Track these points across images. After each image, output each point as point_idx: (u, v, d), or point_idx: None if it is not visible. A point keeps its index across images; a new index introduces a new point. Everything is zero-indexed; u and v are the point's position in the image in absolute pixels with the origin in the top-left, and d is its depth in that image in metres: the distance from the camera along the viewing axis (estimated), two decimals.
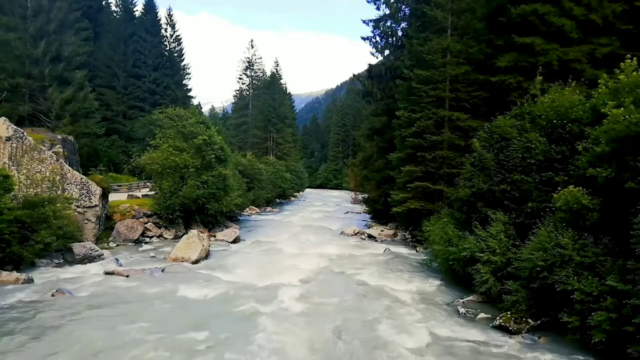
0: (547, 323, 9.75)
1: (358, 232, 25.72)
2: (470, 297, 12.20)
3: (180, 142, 23.33)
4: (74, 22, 32.97)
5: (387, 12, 28.73)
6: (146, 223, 21.78)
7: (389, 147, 25.49)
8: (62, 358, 7.87)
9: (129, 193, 27.57)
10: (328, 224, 30.45)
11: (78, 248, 16.00)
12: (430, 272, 15.68)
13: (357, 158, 43.28)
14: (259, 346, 8.71)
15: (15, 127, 17.90)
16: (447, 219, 15.00)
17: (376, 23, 28.98)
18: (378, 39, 29.34)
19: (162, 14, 55.24)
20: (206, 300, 11.81)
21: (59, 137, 23.14)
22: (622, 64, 10.05)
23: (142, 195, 26.37)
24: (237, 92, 70.05)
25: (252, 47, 67.93)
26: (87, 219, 18.57)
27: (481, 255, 11.50)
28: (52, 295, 11.43)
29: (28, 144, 17.76)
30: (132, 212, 21.82)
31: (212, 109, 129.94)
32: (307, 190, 77.21)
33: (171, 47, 50.38)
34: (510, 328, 9.80)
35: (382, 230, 25.69)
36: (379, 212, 29.87)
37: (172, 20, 50.55)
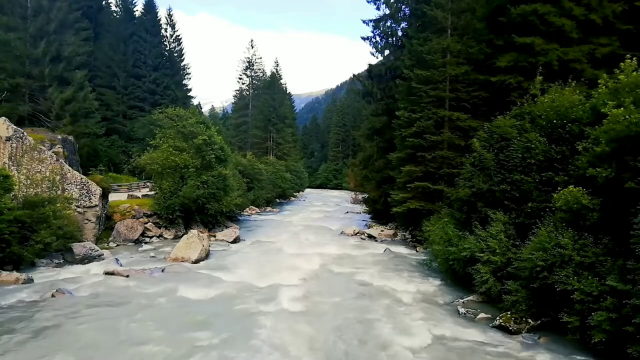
0: (547, 323, 9.74)
1: (358, 232, 25.72)
2: (470, 297, 12.20)
3: (180, 142, 23.34)
4: (74, 22, 32.97)
5: (387, 12, 28.75)
6: (146, 223, 21.79)
7: (389, 147, 25.49)
8: (62, 358, 7.86)
9: (129, 193, 27.57)
10: (328, 224, 30.45)
11: (78, 248, 16.00)
12: (430, 272, 15.68)
13: (357, 158, 43.28)
14: (259, 345, 8.72)
15: (15, 127, 17.91)
16: (447, 219, 15.00)
17: (376, 23, 28.99)
18: (378, 39, 29.37)
19: (162, 14, 55.34)
20: (206, 300, 11.81)
21: (59, 137, 23.14)
22: (622, 64, 10.05)
23: (142, 195, 26.37)
24: (237, 92, 70.09)
25: (252, 47, 68.03)
26: (87, 219, 18.57)
27: (481, 255, 11.50)
28: (52, 295, 11.43)
29: (28, 144, 17.76)
30: (132, 212, 21.82)
31: (212, 109, 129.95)
32: (307, 190, 77.22)
33: (171, 47, 50.39)
34: (510, 328, 9.80)
35: (382, 230, 25.70)
36: (379, 212, 29.87)
37: (172, 20, 50.61)
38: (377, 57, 30.38)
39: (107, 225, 20.47)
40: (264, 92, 64.37)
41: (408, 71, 21.85)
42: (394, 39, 29.17)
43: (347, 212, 40.84)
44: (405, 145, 21.32)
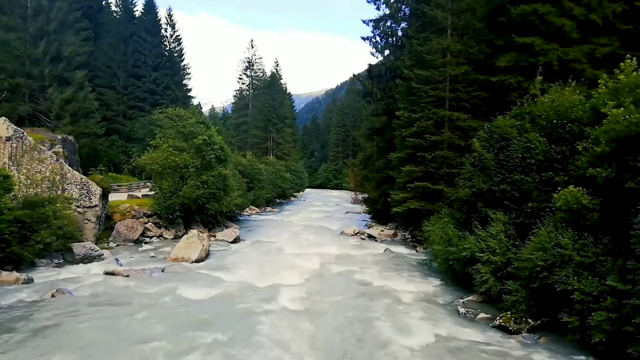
0: (547, 323, 9.75)
1: (358, 232, 25.72)
2: (470, 297, 12.20)
3: (180, 142, 23.34)
4: (74, 22, 32.97)
5: (387, 12, 28.75)
6: (146, 223, 21.79)
7: (389, 147, 25.49)
8: (63, 357, 7.86)
9: (129, 193, 27.57)
10: (328, 224, 30.45)
11: (78, 248, 16.00)
12: (430, 272, 15.68)
13: (357, 158, 43.29)
14: (259, 345, 8.72)
15: (15, 127, 17.91)
16: (447, 219, 15.00)
17: (376, 23, 28.99)
18: (378, 39, 29.37)
19: (162, 14, 55.37)
20: (207, 300, 11.81)
21: (59, 137, 23.14)
22: (622, 64, 10.05)
23: (142, 195, 26.37)
24: (237, 92, 70.09)
25: (252, 47, 68.03)
26: (87, 219, 18.57)
27: (481, 255, 11.50)
28: (52, 295, 11.43)
29: (28, 144, 17.76)
30: (132, 212, 21.82)
31: (212, 109, 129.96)
32: (307, 190, 77.22)
33: (171, 47, 50.39)
34: (510, 328, 9.80)
35: (382, 230, 25.70)
36: (379, 212, 29.88)
37: (172, 20, 50.62)
38: (377, 57, 30.44)
39: (107, 225, 20.47)
40: (264, 92, 64.37)
41: (408, 71, 21.84)
42: (394, 39, 29.17)
43: (347, 212, 40.84)
44: (405, 145, 21.32)
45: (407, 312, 11.23)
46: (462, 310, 11.30)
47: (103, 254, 16.49)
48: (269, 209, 42.78)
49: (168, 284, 13.06)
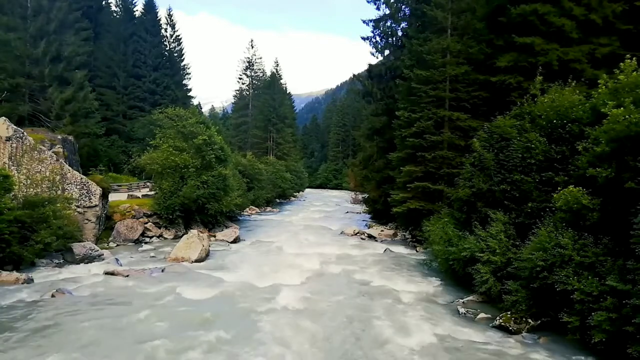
0: (547, 323, 9.75)
1: (358, 232, 25.72)
2: (470, 297, 12.20)
3: (180, 142, 23.34)
4: (74, 22, 32.97)
5: (387, 12, 28.75)
6: (146, 223, 21.79)
7: (389, 147, 25.49)
8: (63, 357, 7.86)
9: (129, 193, 27.57)
10: (328, 224, 30.45)
11: (78, 248, 16.00)
12: (430, 272, 15.68)
13: (357, 158, 43.29)
14: (260, 344, 8.73)
15: (15, 127, 17.91)
16: (447, 219, 15.00)
17: (376, 23, 28.99)
18: (378, 39, 29.37)
19: (162, 14, 55.34)
20: (207, 300, 11.80)
21: (59, 137, 23.14)
22: (621, 64, 10.05)
23: (142, 195, 26.37)
24: (237, 92, 70.11)
25: (252, 47, 68.06)
26: (87, 219, 18.57)
27: (481, 255, 11.50)
28: (52, 295, 11.43)
29: (28, 144, 17.76)
30: (132, 212, 21.82)
31: (212, 109, 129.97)
32: (307, 190, 77.23)
33: (171, 47, 50.40)
34: (510, 328, 9.80)
35: (382, 230, 25.69)
36: (379, 212, 29.88)
37: (172, 20, 50.62)
38: (377, 57, 30.44)
39: (107, 225, 20.47)
40: (264, 92, 64.38)
41: (408, 71, 21.84)
42: (394, 39, 29.17)
43: (347, 212, 40.84)
44: (405, 145, 21.32)
45: (407, 312, 11.23)
46: (462, 310, 11.30)
47: (103, 254, 16.49)
48: (269, 209, 42.79)
49: (168, 283, 13.07)
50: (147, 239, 21.02)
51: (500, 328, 9.95)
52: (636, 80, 9.36)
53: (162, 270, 14.87)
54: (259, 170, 41.08)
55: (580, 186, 9.48)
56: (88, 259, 15.86)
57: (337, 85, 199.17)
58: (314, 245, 21.40)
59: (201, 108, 68.95)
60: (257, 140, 62.04)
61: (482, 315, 10.84)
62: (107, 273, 14.01)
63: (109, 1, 49.67)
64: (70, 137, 24.89)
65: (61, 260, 15.61)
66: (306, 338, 9.25)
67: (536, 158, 11.62)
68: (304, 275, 14.87)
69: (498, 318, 10.23)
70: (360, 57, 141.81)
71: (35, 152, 17.89)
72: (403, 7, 28.35)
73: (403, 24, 28.55)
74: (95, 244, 17.63)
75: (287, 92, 79.25)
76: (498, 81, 17.26)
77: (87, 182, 18.88)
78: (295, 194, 62.20)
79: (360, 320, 10.43)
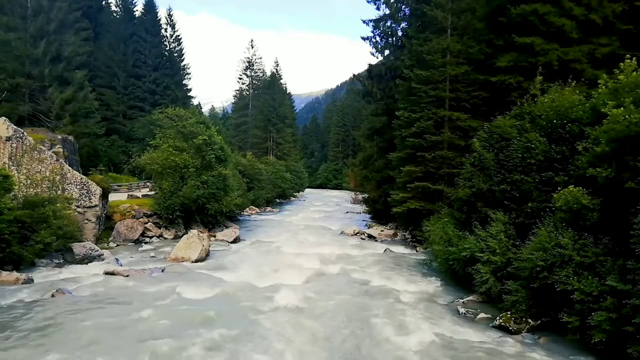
0: (547, 323, 9.75)
1: (358, 232, 25.72)
2: (470, 297, 12.20)
3: (180, 142, 23.34)
4: (74, 22, 32.97)
5: (387, 12, 28.75)
6: (146, 223, 21.79)
7: (389, 147, 25.49)
8: (63, 357, 7.85)
9: (129, 193, 27.57)
10: (328, 224, 30.45)
11: (78, 248, 16.01)
12: (430, 272, 15.68)
13: (357, 158, 43.29)
14: (260, 343, 8.73)
15: (15, 127, 17.91)
16: (447, 219, 15.00)
17: (376, 23, 28.99)
18: (378, 39, 29.37)
19: (162, 14, 55.31)
20: (207, 299, 11.80)
21: (59, 137, 23.14)
22: (621, 64, 10.05)
23: (142, 195, 26.38)
24: (237, 92, 70.12)
25: (252, 47, 68.07)
26: (87, 219, 18.57)
27: (481, 255, 11.50)
28: (52, 295, 11.43)
29: (28, 144, 17.76)
30: (132, 212, 21.82)
31: (212, 109, 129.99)
32: (307, 190, 77.22)
33: (171, 47, 50.40)
34: (510, 328, 9.80)
35: (382, 230, 25.70)
36: (379, 212, 29.87)
37: (172, 20, 50.62)
38: (377, 57, 30.44)
39: (107, 225, 20.47)
40: (264, 92, 64.38)
41: (408, 71, 21.84)
42: (394, 39, 29.17)
43: (347, 212, 40.84)
44: (405, 145, 21.32)
45: (407, 311, 11.23)
46: (462, 310, 11.30)
47: (103, 254, 16.49)
48: (269, 209, 42.79)
49: (168, 283, 13.06)
50: (147, 239, 21.02)
51: (500, 328, 9.95)
52: (636, 80, 9.35)
53: (162, 270, 14.86)
54: (259, 170, 41.08)
55: (580, 186, 9.48)
56: (88, 259, 15.86)
57: (337, 85, 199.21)
58: (314, 245, 21.40)
59: (201, 108, 68.96)
60: (257, 140, 62.04)
61: (482, 315, 10.84)
62: (107, 273, 14.01)
63: (109, 1, 49.76)
64: (70, 137, 24.89)
65: (61, 260, 15.61)
66: (307, 337, 9.26)
67: (536, 158, 11.62)
68: (304, 275, 14.87)
69: (498, 318, 10.23)
70: (360, 57, 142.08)
71: (35, 152, 17.90)
72: (403, 7, 28.35)
73: (403, 24, 28.57)
74: (95, 244, 17.63)
75: (287, 92, 79.27)
76: (498, 81, 17.26)
77: (87, 182, 18.88)
78: (295, 194, 62.20)
79: (360, 320, 10.43)
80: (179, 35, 51.05)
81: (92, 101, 32.78)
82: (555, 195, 9.97)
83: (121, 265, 15.50)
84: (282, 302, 11.55)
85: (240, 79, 68.36)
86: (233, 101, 76.13)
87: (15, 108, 26.55)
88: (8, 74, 26.65)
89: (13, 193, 15.16)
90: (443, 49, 20.38)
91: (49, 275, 13.72)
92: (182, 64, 52.10)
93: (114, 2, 49.66)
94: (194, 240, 17.29)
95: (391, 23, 29.00)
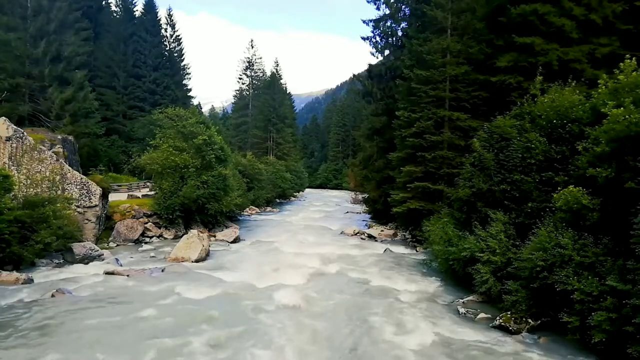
0: (547, 323, 9.74)
1: (358, 232, 25.72)
2: (470, 297, 12.20)
3: (180, 142, 23.34)
4: (74, 22, 32.97)
5: (387, 12, 28.75)
6: (146, 223, 21.79)
7: (389, 147, 25.49)
8: (63, 357, 7.86)
9: (129, 193, 27.57)
10: (328, 224, 30.45)
11: (78, 248, 16.01)
12: (430, 272, 15.68)
13: (357, 158, 43.29)
14: (259, 344, 8.72)
15: (15, 127, 17.91)
16: (447, 219, 15.00)
17: (376, 23, 28.99)
18: (378, 39, 29.37)
19: (162, 14, 55.33)
20: (207, 299, 11.80)
21: (59, 137, 23.14)
22: (621, 64, 10.05)
23: (142, 195, 26.38)
24: (237, 92, 70.10)
25: (252, 47, 68.05)
26: (87, 219, 18.57)
27: (481, 255, 11.50)
28: (52, 295, 11.43)
29: (28, 144, 17.76)
30: (132, 212, 21.82)
31: (212, 109, 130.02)
32: (307, 190, 77.22)
33: (171, 47, 50.40)
34: (510, 328, 9.80)
35: (382, 230, 25.69)
36: (379, 212, 29.87)
37: (172, 20, 50.63)
38: (377, 57, 30.44)
39: (107, 225, 20.47)
40: (264, 92, 64.37)
41: (408, 71, 21.84)
42: (394, 39, 29.17)
43: (347, 212, 40.84)
44: (405, 145, 21.32)
45: (407, 311, 11.23)
46: (462, 310, 11.30)
47: (103, 254, 16.50)
48: (269, 209, 42.79)
49: (168, 283, 13.07)
50: (147, 239, 21.02)
51: (500, 328, 9.95)
52: (636, 80, 9.35)
53: (162, 270, 14.86)
54: (259, 170, 41.07)
55: (580, 186, 9.48)
56: (88, 259, 15.86)
57: (337, 85, 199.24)
58: (314, 245, 21.40)
59: (201, 108, 68.98)
60: (257, 140, 62.03)
61: (482, 315, 10.84)
62: (107, 273, 14.01)
63: (109, 1, 49.76)
64: (70, 137, 24.89)
65: (61, 260, 15.61)
66: (307, 336, 9.28)
67: (536, 158, 11.62)
68: (304, 275, 14.86)
69: (498, 318, 10.22)
70: (360, 57, 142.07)
71: (35, 152, 17.89)
72: (403, 7, 28.35)
73: (403, 24, 28.57)
74: (95, 244, 17.63)
75: (287, 92, 79.26)
76: (498, 81, 17.26)
77: (87, 182, 18.88)
78: (295, 194, 62.19)
79: (360, 320, 10.43)
80: (179, 35, 51.11)
81: (92, 101, 32.78)
82: (555, 195, 9.97)
83: (121, 265, 15.50)
84: (282, 302, 11.55)
85: (240, 79, 68.41)
86: (233, 101, 76.12)
87: (15, 108, 26.55)
88: (8, 74, 26.65)
89: (13, 193, 15.16)
90: (443, 49, 20.37)
91: (49, 275, 13.72)
92: (182, 64, 52.11)
93: (114, 2, 49.76)
94: (194, 240, 17.29)
95: (391, 23, 29.01)
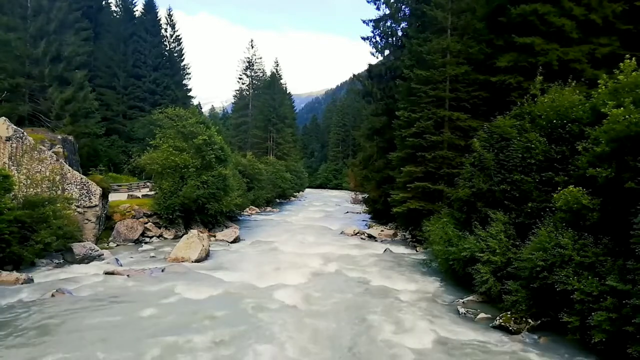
0: (547, 323, 9.74)
1: (358, 232, 25.72)
2: (470, 297, 12.20)
3: (180, 142, 23.34)
4: (74, 22, 32.98)
5: (387, 12, 28.76)
6: (146, 223, 21.79)
7: (389, 147, 25.49)
8: (63, 357, 7.85)
9: (129, 193, 27.57)
10: (328, 224, 30.45)
11: (78, 248, 16.00)
12: (430, 272, 15.68)
13: (357, 158, 43.30)
14: (260, 344, 8.71)
15: (15, 127, 17.91)
16: (447, 219, 14.99)
17: (376, 23, 29.00)
18: (378, 39, 29.38)
19: (162, 14, 55.37)
20: (207, 299, 11.81)
21: (59, 137, 23.14)
22: (621, 64, 10.05)
23: (142, 195, 26.38)
24: (237, 92, 70.11)
25: (252, 47, 68.06)
26: (87, 219, 18.57)
27: (481, 255, 11.50)
28: (52, 295, 11.43)
29: (28, 144, 17.76)
30: (132, 212, 21.82)
31: (212, 109, 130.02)
32: (307, 190, 77.22)
33: (171, 47, 50.41)
34: (510, 328, 9.80)
35: (382, 230, 25.70)
36: (379, 212, 29.88)
37: (172, 20, 50.64)
38: (377, 57, 30.44)
39: (107, 225, 20.47)
40: (264, 92, 64.37)
41: (408, 71, 21.84)
42: (394, 39, 29.18)
43: (347, 212, 40.84)
44: (405, 145, 21.33)
45: (407, 311, 11.23)
46: (462, 310, 11.30)
47: (103, 254, 16.50)
48: (269, 209, 42.79)
49: (168, 283, 13.07)
50: (147, 239, 21.02)
51: (500, 328, 9.95)
52: (636, 80, 9.35)
53: (162, 270, 14.86)
54: (259, 170, 41.06)
55: (580, 186, 9.47)
56: (88, 259, 15.86)
57: (337, 85, 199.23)
58: (314, 245, 21.40)
59: (201, 108, 68.97)
60: (257, 140, 62.03)
61: (482, 315, 10.84)
62: (107, 273, 14.01)
63: (109, 1, 49.78)
64: (70, 137, 24.89)
65: (61, 260, 15.61)
66: (308, 336, 9.28)
67: (536, 158, 11.61)
68: (304, 275, 14.86)
69: (498, 318, 10.22)
70: (360, 57, 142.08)
71: (35, 152, 17.89)
72: (403, 7, 28.35)
73: (403, 24, 28.57)
74: (95, 244, 17.63)
75: (287, 92, 79.26)
76: (498, 81, 17.26)
77: (87, 182, 18.88)
78: (295, 194, 62.18)
79: (361, 320, 10.43)
80: (179, 35, 51.12)
81: (92, 101, 32.78)
82: (555, 195, 9.97)
83: (121, 265, 15.50)
84: (282, 301, 11.57)
85: (240, 79, 68.41)
86: (233, 101, 76.12)
87: (15, 108, 26.56)
88: (8, 74, 26.65)
89: (13, 193, 15.16)
90: (443, 49, 20.37)
91: (49, 275, 13.72)
92: (182, 64, 52.13)
93: (114, 2, 49.78)
94: (194, 240, 17.29)
95: (391, 23, 29.01)
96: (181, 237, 19.25)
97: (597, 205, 9.20)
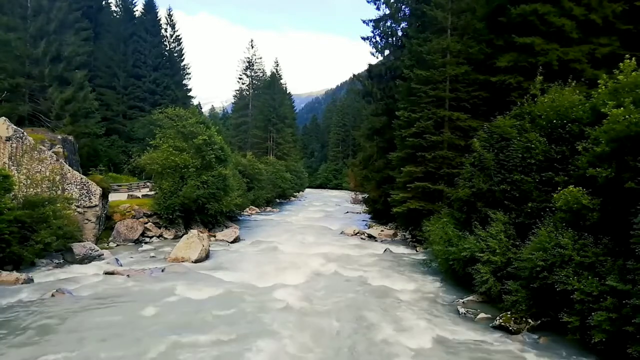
0: (547, 323, 9.74)
1: (358, 232, 25.73)
2: (470, 297, 12.20)
3: (180, 142, 23.34)
4: (74, 22, 32.97)
5: (387, 12, 28.77)
6: (146, 223, 21.79)
7: (389, 147, 25.50)
8: (63, 357, 7.85)
9: (129, 193, 27.57)
10: (328, 224, 30.45)
11: (78, 248, 16.00)
12: (430, 272, 15.68)
13: (357, 158, 43.31)
14: (260, 344, 8.72)
15: (15, 127, 17.91)
16: (447, 219, 15.00)
17: (376, 23, 29.01)
18: (378, 39, 29.39)
19: (162, 14, 55.35)
20: (208, 299, 11.80)
21: (59, 137, 23.14)
22: (621, 64, 10.05)
23: (142, 195, 26.37)
24: (237, 92, 70.11)
25: (252, 47, 68.05)
26: (87, 219, 18.57)
27: (481, 255, 11.50)
28: (52, 295, 11.43)
29: (28, 144, 17.76)
30: (132, 212, 21.82)
31: (212, 109, 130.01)
32: (307, 190, 77.22)
33: (171, 47, 50.39)
34: (510, 328, 9.80)
35: (382, 230, 25.70)
36: (379, 212, 29.88)
37: (172, 20, 50.62)
38: (377, 57, 30.46)
39: (107, 225, 20.47)
40: (264, 92, 64.37)
41: (408, 71, 21.85)
42: (394, 39, 29.18)
43: (347, 212, 40.84)
44: (405, 145, 21.33)
45: (407, 311, 11.24)
46: (462, 310, 11.30)
47: (103, 254, 16.49)
48: (269, 209, 42.79)
49: (168, 283, 13.07)
50: (147, 239, 21.02)
51: (500, 328, 9.95)
52: (636, 80, 9.36)
53: (162, 270, 14.86)
54: (259, 170, 41.06)
55: (580, 186, 9.48)
56: (88, 259, 15.86)
57: (337, 85, 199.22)
58: (314, 245, 21.40)
59: (201, 108, 68.97)
60: (257, 140, 62.03)
61: (482, 315, 10.84)
62: (107, 273, 14.01)
63: (109, 1, 49.76)
64: (70, 137, 24.88)
65: (61, 260, 15.61)
66: (308, 335, 9.28)
67: (536, 158, 11.62)
68: (304, 275, 14.87)
69: (498, 318, 10.22)
70: (360, 57, 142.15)
71: (35, 152, 17.89)
72: (403, 7, 28.36)
73: (403, 24, 28.58)
74: (95, 244, 17.63)
75: (287, 92, 79.25)
76: (498, 81, 17.26)
77: (87, 182, 18.88)
78: (295, 194, 62.18)
79: (361, 320, 10.42)
80: (179, 35, 51.11)
81: (92, 101, 32.78)
82: (555, 195, 9.97)
83: (121, 265, 15.50)
84: (282, 303, 11.56)
85: (240, 79, 68.41)
86: (233, 101, 76.12)
87: (15, 108, 26.55)
88: (8, 74, 26.64)
89: (13, 193, 15.15)
90: (443, 49, 20.38)
91: (49, 275, 13.72)
92: (182, 64, 52.12)
93: (114, 2, 49.76)
94: (194, 240, 17.29)
95: (391, 23, 29.02)
96: (181, 237, 19.25)
97: (597, 205, 9.21)
